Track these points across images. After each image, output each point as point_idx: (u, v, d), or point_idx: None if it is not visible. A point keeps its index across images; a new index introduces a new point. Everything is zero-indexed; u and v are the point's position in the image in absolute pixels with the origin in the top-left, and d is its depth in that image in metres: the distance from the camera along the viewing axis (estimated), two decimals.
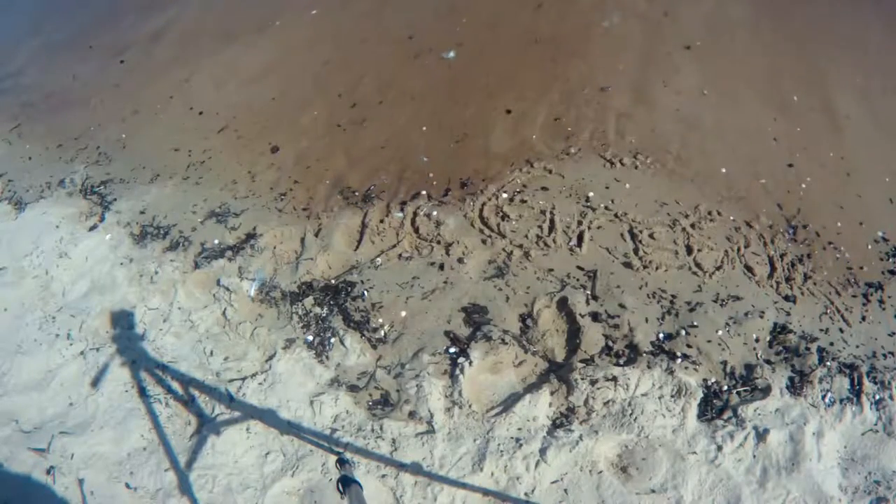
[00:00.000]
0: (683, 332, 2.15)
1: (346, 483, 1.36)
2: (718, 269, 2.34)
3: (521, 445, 1.91)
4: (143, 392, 2.22)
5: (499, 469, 1.88)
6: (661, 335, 2.16)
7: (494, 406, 2.05)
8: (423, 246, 2.56)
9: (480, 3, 3.76)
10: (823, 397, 1.95)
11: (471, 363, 2.11)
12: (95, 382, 2.27)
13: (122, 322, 2.46)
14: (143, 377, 2.26)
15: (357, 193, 2.82)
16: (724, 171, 2.71)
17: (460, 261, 2.47)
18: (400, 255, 2.53)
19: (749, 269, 2.34)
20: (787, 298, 2.24)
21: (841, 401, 1.95)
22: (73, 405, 2.22)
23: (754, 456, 1.85)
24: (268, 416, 2.08)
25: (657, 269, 2.35)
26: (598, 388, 2.00)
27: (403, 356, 2.21)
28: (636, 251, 2.42)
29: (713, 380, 2.03)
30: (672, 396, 1.98)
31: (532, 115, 3.08)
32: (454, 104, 3.21)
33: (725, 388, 2.01)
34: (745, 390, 2.00)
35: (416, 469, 1.90)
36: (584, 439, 1.90)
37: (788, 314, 2.19)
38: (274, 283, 2.50)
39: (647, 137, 2.88)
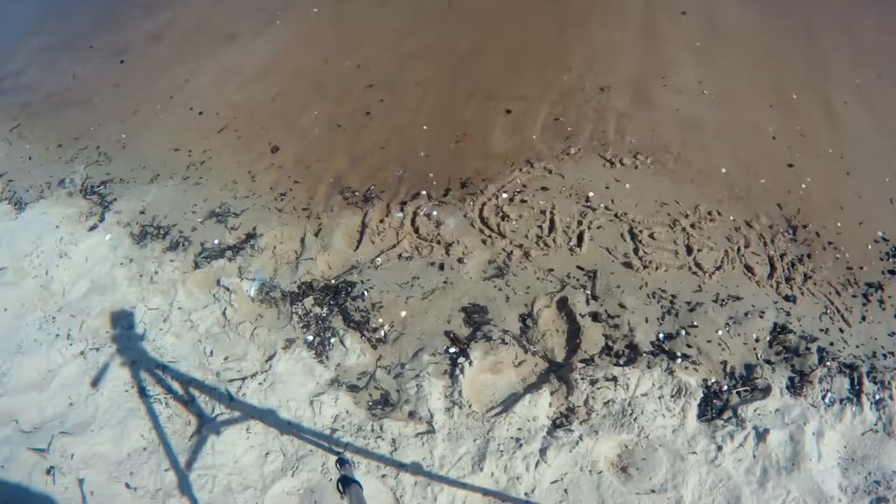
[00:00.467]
0: (683, 332, 2.15)
1: (346, 483, 1.36)
2: (718, 269, 2.34)
3: (521, 445, 1.91)
4: (143, 392, 2.22)
5: (499, 469, 1.88)
6: (661, 335, 2.16)
7: (494, 406, 2.05)
8: (423, 246, 2.56)
9: None
10: (823, 397, 1.95)
11: (471, 363, 2.11)
12: (95, 382, 2.27)
13: (122, 322, 2.46)
14: (143, 377, 2.26)
15: (357, 193, 2.82)
16: (724, 171, 2.72)
17: (460, 261, 2.47)
18: (400, 255, 2.53)
19: (749, 269, 2.34)
20: (787, 298, 2.24)
21: (841, 401, 1.94)
22: (73, 405, 2.22)
23: (754, 456, 1.85)
24: (268, 416, 2.08)
25: (657, 269, 2.35)
26: (598, 388, 2.00)
27: (403, 356, 2.21)
28: (636, 251, 2.42)
29: (713, 380, 2.03)
30: (672, 396, 1.98)
31: (532, 114, 3.08)
32: (457, 99, 3.21)
33: (725, 388, 2.01)
34: (745, 390, 2.00)
35: (416, 469, 1.90)
36: (584, 439, 1.90)
37: (788, 314, 2.19)
38: (274, 283, 2.50)
39: (647, 137, 2.89)
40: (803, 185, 2.62)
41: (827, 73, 3.15)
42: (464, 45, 3.56)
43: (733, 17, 3.56)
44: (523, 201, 2.66)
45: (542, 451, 1.89)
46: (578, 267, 2.40)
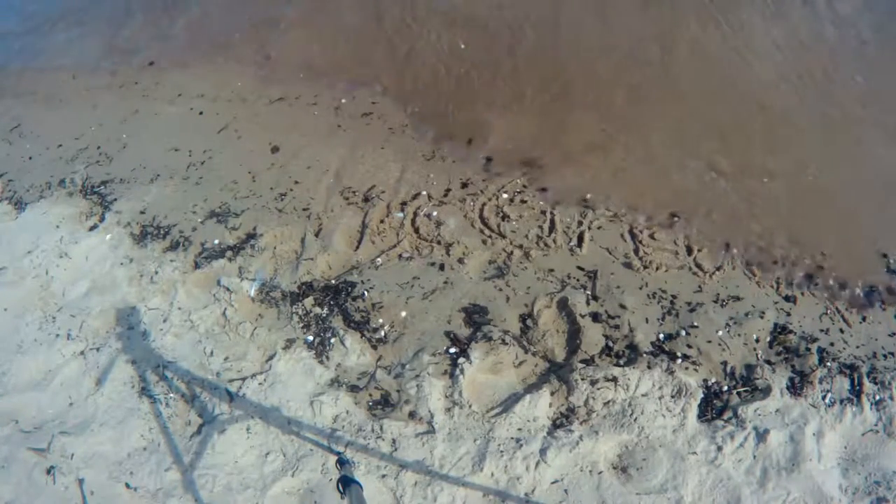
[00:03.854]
0: (683, 333, 2.15)
1: (346, 483, 1.36)
2: (718, 269, 2.34)
3: (521, 446, 1.91)
4: (143, 392, 2.22)
5: (499, 469, 1.88)
6: (661, 335, 2.16)
7: (494, 406, 2.05)
8: (423, 246, 2.56)
9: None
10: (824, 398, 1.96)
11: (471, 363, 2.11)
12: (96, 382, 2.27)
13: (122, 322, 2.46)
14: (144, 377, 2.26)
15: (357, 193, 2.82)
16: None
17: (460, 261, 2.47)
18: (400, 256, 2.53)
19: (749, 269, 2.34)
20: (787, 299, 2.24)
21: (841, 401, 1.95)
22: (73, 405, 2.22)
23: (754, 456, 1.85)
24: (268, 416, 2.08)
25: (657, 269, 2.35)
26: (599, 389, 2.00)
27: (403, 356, 2.21)
28: (636, 251, 2.42)
29: (713, 380, 2.03)
30: (672, 397, 1.98)
31: (532, 115, 3.08)
32: (458, 100, 3.21)
33: (725, 388, 2.01)
34: (745, 390, 2.00)
35: (416, 469, 1.90)
36: (584, 440, 1.90)
37: (789, 314, 2.19)
38: (274, 283, 2.50)
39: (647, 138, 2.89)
40: (803, 185, 2.62)
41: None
42: (468, 55, 3.56)
43: None
44: (523, 202, 2.66)
45: (543, 452, 1.89)
46: (579, 267, 2.40)
